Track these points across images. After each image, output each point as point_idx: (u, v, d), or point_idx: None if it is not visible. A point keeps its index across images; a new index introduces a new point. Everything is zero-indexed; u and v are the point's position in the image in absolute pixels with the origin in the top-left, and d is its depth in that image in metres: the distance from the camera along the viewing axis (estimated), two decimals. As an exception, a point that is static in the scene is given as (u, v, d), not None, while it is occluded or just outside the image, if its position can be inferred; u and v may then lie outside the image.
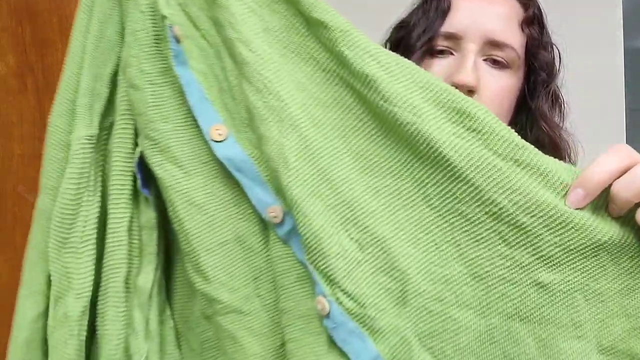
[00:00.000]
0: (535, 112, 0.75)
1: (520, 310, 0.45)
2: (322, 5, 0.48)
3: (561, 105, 0.80)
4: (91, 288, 0.49)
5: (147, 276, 0.51)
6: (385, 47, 0.76)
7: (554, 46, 0.77)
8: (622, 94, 1.39)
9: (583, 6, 1.35)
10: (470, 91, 0.67)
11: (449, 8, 0.70)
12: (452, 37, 0.70)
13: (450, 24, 0.70)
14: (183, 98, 0.50)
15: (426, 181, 0.46)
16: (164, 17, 0.49)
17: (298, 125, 0.47)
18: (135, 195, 0.51)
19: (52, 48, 1.02)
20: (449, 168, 0.45)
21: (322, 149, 0.47)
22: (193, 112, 0.49)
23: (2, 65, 1.03)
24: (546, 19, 0.76)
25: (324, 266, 0.45)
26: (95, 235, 0.50)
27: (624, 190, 0.42)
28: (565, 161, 0.73)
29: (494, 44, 0.69)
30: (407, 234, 0.46)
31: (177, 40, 0.49)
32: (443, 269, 0.45)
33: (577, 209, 0.44)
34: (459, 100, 0.46)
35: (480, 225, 0.45)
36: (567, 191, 0.44)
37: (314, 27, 0.48)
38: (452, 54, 0.70)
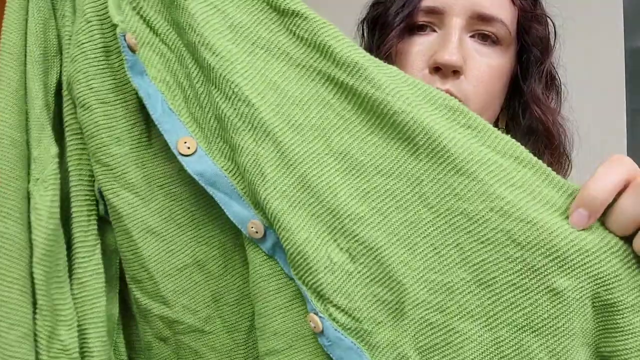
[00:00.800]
0: (527, 95, 0.67)
1: (532, 321, 0.40)
2: None
3: (558, 88, 0.72)
4: (76, 318, 0.46)
5: (114, 302, 0.50)
6: (362, 27, 0.70)
7: (548, 19, 0.69)
8: (623, 94, 1.39)
9: (583, 6, 1.35)
10: (455, 71, 0.60)
11: None
12: (434, 11, 0.62)
13: None
14: (136, 116, 0.47)
15: (421, 178, 0.42)
16: (114, 26, 0.44)
17: (272, 131, 0.43)
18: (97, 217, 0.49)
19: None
20: (448, 161, 0.41)
21: (301, 154, 0.43)
22: (157, 126, 0.45)
23: None
24: None
25: (312, 281, 0.43)
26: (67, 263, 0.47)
27: (617, 229, 0.39)
28: (559, 151, 0.68)
29: (481, 18, 0.62)
30: (402, 239, 0.42)
31: (132, 50, 0.45)
32: (444, 276, 0.41)
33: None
34: (449, 99, 0.43)
35: (485, 225, 0.41)
36: (571, 191, 0.41)
37: (288, 19, 0.45)
38: (434, 30, 0.63)
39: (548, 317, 0.40)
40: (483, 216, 0.41)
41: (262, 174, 0.43)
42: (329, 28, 0.44)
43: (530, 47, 0.67)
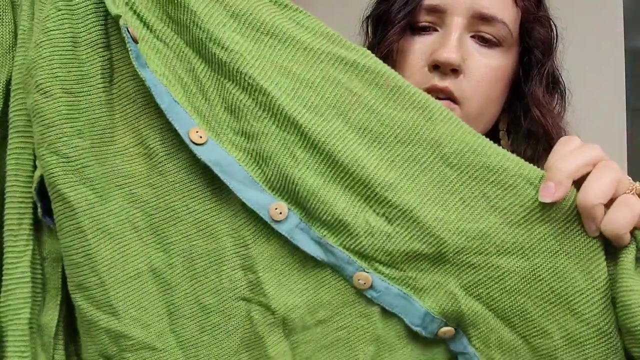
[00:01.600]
0: (528, 97, 0.67)
1: (564, 246, 0.44)
2: None
3: (562, 91, 0.71)
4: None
5: (52, 313, 0.46)
6: (366, 24, 0.71)
7: (551, 21, 0.69)
8: (623, 93, 1.39)
9: (583, 6, 1.35)
10: (454, 70, 0.60)
11: None
12: (436, 10, 0.62)
13: None
14: (100, 111, 0.45)
15: (440, 141, 0.45)
16: (117, 16, 0.44)
17: (292, 115, 0.45)
18: (36, 224, 0.46)
19: None
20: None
21: (324, 133, 0.45)
22: (167, 116, 0.45)
23: None
24: None
25: (354, 245, 0.46)
26: None
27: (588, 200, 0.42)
28: None
29: (482, 18, 0.61)
30: (432, 198, 0.46)
31: (135, 41, 0.45)
32: (477, 224, 0.45)
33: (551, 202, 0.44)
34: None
35: (504, 173, 0.45)
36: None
37: (287, 11, 0.47)
38: (436, 30, 0.63)
39: (577, 242, 0.44)
40: (502, 166, 0.45)
41: (293, 155, 0.46)
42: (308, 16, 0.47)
43: (531, 49, 0.66)
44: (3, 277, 0.45)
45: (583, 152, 0.44)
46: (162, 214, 0.47)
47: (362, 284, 0.47)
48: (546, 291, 0.45)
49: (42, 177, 0.45)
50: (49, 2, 0.45)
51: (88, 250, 0.45)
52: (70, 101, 0.45)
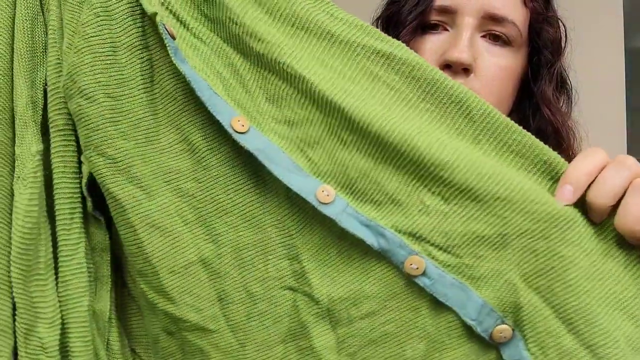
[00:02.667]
0: (537, 97, 0.68)
1: (612, 250, 0.43)
2: None
3: (569, 91, 0.73)
4: (60, 316, 0.46)
5: (104, 300, 0.49)
6: (376, 25, 0.71)
7: (560, 21, 0.70)
8: (623, 93, 1.39)
9: (583, 6, 1.35)
10: (465, 69, 0.61)
11: None
12: (447, 10, 0.63)
13: None
14: (143, 112, 0.47)
15: (479, 138, 0.45)
16: (154, 15, 0.45)
17: (334, 101, 0.45)
18: (85, 217, 0.48)
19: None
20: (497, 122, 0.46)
21: (367, 115, 0.44)
22: (208, 107, 0.45)
23: None
24: None
25: (408, 226, 0.45)
26: (53, 260, 0.47)
27: (599, 197, 0.42)
28: (568, 153, 0.68)
29: (493, 18, 0.62)
30: (492, 177, 0.43)
31: (173, 38, 0.46)
32: (545, 206, 0.42)
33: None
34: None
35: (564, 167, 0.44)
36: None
37: (320, 3, 0.47)
38: (446, 29, 0.64)
39: (625, 246, 0.43)
40: (559, 160, 0.44)
41: (340, 139, 0.45)
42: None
43: (541, 49, 0.67)
44: (60, 269, 0.47)
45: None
46: (208, 207, 0.48)
47: (414, 269, 0.44)
48: (607, 293, 0.42)
49: (90, 173, 0.47)
50: (86, 7, 0.46)
51: (139, 243, 0.47)
52: (112, 105, 0.46)
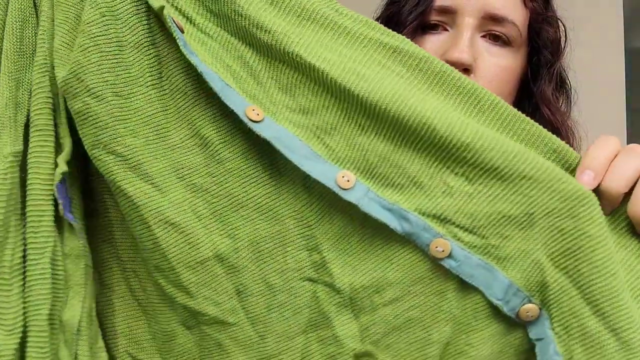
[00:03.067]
0: (537, 97, 0.69)
1: (624, 240, 0.44)
2: None
3: (568, 91, 0.73)
4: (22, 323, 0.44)
5: (74, 310, 0.46)
6: None
7: (559, 21, 0.71)
8: (623, 93, 1.39)
9: (583, 6, 1.35)
10: (465, 69, 0.61)
11: None
12: (447, 10, 0.64)
13: None
14: (153, 108, 0.47)
15: (492, 106, 0.45)
16: (160, 8, 0.45)
17: (346, 86, 0.45)
18: (58, 221, 0.47)
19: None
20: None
21: (385, 99, 0.44)
22: (222, 98, 0.45)
23: None
24: None
25: (432, 208, 0.44)
26: (23, 265, 0.45)
27: (614, 183, 0.42)
28: None
29: (492, 18, 0.63)
30: (518, 155, 0.42)
31: (182, 30, 0.46)
32: (572, 185, 0.42)
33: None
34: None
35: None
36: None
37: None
38: (446, 29, 0.64)
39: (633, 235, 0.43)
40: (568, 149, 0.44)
41: (358, 123, 0.45)
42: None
43: (540, 49, 0.68)
44: (26, 274, 0.45)
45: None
46: (223, 201, 0.48)
47: (440, 252, 0.44)
48: (626, 279, 0.42)
49: (64, 175, 0.46)
50: (88, 5, 0.46)
51: (154, 239, 0.47)
52: (121, 103, 0.46)
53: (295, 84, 0.47)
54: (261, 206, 0.48)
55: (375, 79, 0.45)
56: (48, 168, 0.46)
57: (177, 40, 0.44)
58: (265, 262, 0.48)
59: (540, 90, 0.68)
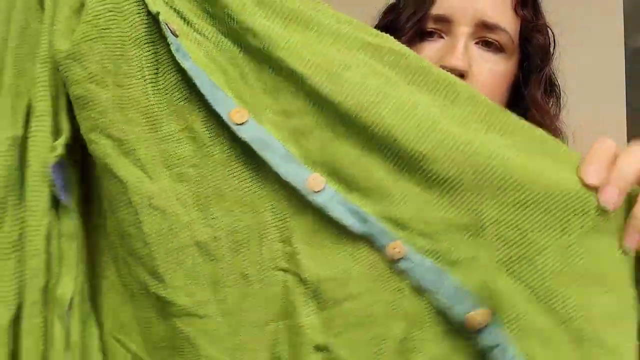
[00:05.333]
0: (527, 100, 0.72)
1: (598, 224, 0.44)
2: None
3: (558, 94, 0.76)
4: (17, 296, 0.47)
5: (66, 286, 0.49)
6: None
7: (548, 29, 0.74)
8: (623, 93, 1.39)
9: (583, 6, 1.35)
10: (461, 75, 0.63)
11: None
12: (443, 19, 0.67)
13: (441, 6, 0.67)
14: (147, 101, 0.49)
15: (466, 120, 0.47)
16: (157, 14, 0.48)
17: (324, 93, 0.47)
18: (55, 201, 0.49)
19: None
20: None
21: (358, 108, 0.46)
22: (208, 100, 0.48)
23: None
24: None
25: (391, 212, 0.47)
26: (20, 241, 0.48)
27: (615, 182, 0.43)
28: None
29: (486, 26, 0.66)
30: (471, 165, 0.45)
31: (175, 35, 0.48)
32: (518, 193, 0.44)
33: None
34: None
35: (546, 144, 0.46)
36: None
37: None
38: (442, 37, 0.67)
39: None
40: (543, 135, 0.46)
41: (331, 129, 0.48)
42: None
43: (531, 55, 0.71)
44: (24, 250, 0.48)
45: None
46: (207, 191, 0.50)
47: (396, 253, 0.47)
48: (579, 271, 0.44)
49: (61, 158, 0.49)
50: (94, 2, 0.48)
51: (138, 224, 0.49)
52: (120, 93, 0.48)
53: (277, 87, 0.49)
54: (242, 199, 0.50)
55: (355, 82, 0.47)
56: (46, 151, 0.49)
57: (171, 46, 0.47)
58: (241, 252, 0.50)
59: (530, 94, 0.71)
